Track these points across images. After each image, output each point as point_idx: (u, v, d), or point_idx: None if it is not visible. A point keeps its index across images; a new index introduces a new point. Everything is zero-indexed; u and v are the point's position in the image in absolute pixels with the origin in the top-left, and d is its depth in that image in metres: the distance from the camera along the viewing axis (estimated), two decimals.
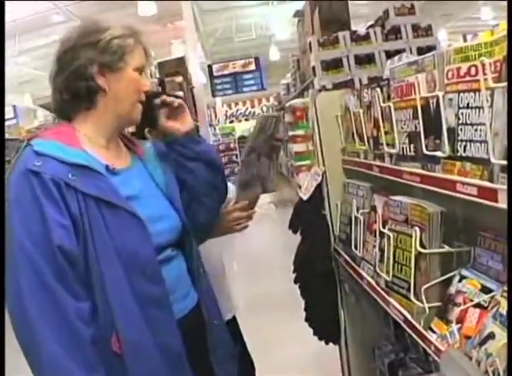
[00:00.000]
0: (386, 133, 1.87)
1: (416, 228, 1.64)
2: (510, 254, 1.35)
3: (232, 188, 2.72)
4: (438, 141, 1.48)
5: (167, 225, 1.80)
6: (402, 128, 1.71)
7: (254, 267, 7.63)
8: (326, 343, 2.82)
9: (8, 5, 11.76)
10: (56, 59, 1.74)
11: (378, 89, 1.88)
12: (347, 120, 2.34)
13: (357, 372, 2.82)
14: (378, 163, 1.98)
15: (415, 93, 1.58)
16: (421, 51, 6.59)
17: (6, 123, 16.39)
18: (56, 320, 1.48)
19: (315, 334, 2.79)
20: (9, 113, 18.21)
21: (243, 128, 29.77)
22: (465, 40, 15.59)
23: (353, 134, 2.26)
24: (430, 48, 6.72)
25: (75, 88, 1.70)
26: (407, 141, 1.69)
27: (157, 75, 8.23)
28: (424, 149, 1.54)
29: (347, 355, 2.79)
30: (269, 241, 9.44)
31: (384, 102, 1.85)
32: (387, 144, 1.85)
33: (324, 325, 2.74)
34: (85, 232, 1.57)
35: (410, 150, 1.68)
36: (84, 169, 1.60)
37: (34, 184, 1.53)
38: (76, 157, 1.61)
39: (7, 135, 12.24)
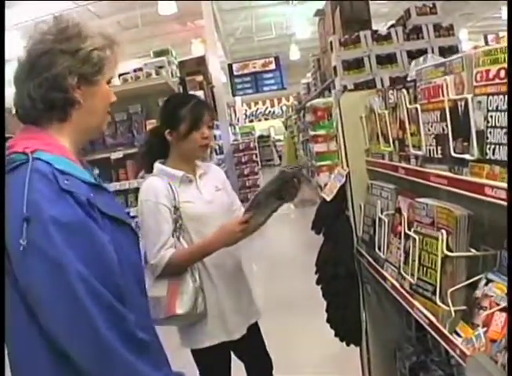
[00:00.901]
0: (412, 135, 1.85)
1: (443, 231, 1.63)
2: (510, 254, 1.36)
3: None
4: (466, 143, 1.47)
5: None
6: (429, 130, 1.69)
7: (273, 267, 7.63)
8: (348, 344, 2.81)
9: (28, 4, 11.87)
10: (27, 60, 1.61)
11: (404, 90, 1.87)
12: (372, 121, 2.32)
13: (377, 374, 2.81)
14: (404, 165, 1.97)
15: (443, 95, 1.57)
16: (443, 51, 6.57)
17: None
18: (125, 334, 1.46)
19: (336, 335, 2.78)
20: None
21: (262, 127, 29.87)
22: (486, 40, 15.51)
23: (378, 135, 2.25)
24: (451, 48, 6.70)
25: (50, 98, 1.58)
26: (434, 143, 1.68)
27: (178, 74, 8.26)
28: (452, 151, 1.53)
29: (368, 356, 2.78)
30: (288, 241, 9.43)
31: (410, 103, 1.84)
32: (413, 146, 1.84)
33: (346, 326, 2.73)
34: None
35: (437, 153, 1.67)
36: (96, 188, 1.58)
37: (73, 205, 1.44)
38: (84, 174, 1.57)
39: None
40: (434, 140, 1.68)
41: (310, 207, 10.64)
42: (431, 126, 1.68)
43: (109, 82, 1.71)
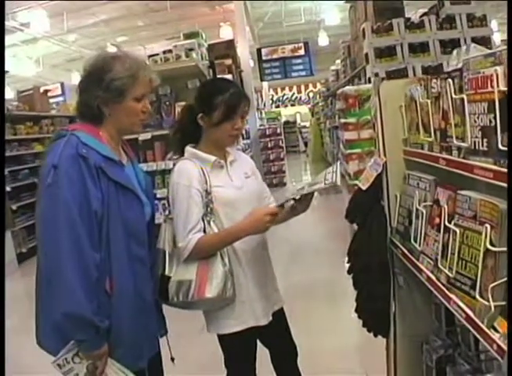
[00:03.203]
0: (456, 126, 1.81)
1: (487, 225, 1.59)
2: (510, 252, 1.36)
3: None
4: None
5: (148, 209, 2.45)
6: (475, 121, 1.65)
7: (296, 254, 7.62)
8: (375, 335, 2.78)
9: None
10: (78, 82, 2.38)
11: (450, 80, 1.82)
12: (412, 110, 2.28)
13: (403, 366, 2.79)
14: (445, 156, 1.92)
15: (492, 86, 1.53)
16: (475, 41, 6.48)
17: (54, 99, 16.74)
18: (79, 262, 2.08)
19: (364, 325, 2.76)
20: (56, 90, 18.59)
21: (288, 113, 29.77)
22: None
23: (417, 125, 2.21)
24: (484, 39, 6.61)
25: (84, 112, 2.35)
26: (480, 135, 1.64)
27: (207, 57, 8.23)
28: (500, 144, 1.49)
29: (395, 348, 2.76)
30: (311, 228, 9.40)
31: (455, 93, 1.79)
32: (457, 137, 1.80)
33: (375, 317, 2.70)
34: (106, 204, 2.20)
35: (482, 145, 1.63)
36: (110, 161, 2.26)
37: (82, 165, 2.14)
38: (105, 151, 2.26)
39: (54, 112, 12.44)
40: (480, 132, 1.63)
41: (334, 195, 10.62)
42: (477, 117, 1.64)
43: (139, 99, 2.35)
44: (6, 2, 12.46)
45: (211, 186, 2.55)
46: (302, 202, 2.62)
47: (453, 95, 1.80)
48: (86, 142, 2.20)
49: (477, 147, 1.66)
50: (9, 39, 15.77)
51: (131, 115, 2.35)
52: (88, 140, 2.22)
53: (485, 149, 1.61)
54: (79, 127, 2.31)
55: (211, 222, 2.54)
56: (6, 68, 14.57)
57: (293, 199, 2.58)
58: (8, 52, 17.67)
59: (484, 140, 1.61)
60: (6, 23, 13.69)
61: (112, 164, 2.26)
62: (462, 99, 1.72)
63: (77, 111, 2.39)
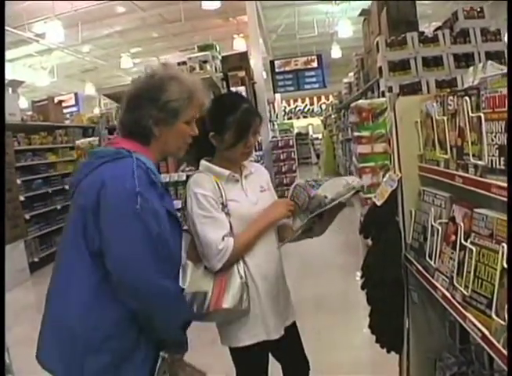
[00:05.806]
0: (472, 143, 1.81)
1: (504, 244, 1.59)
2: (510, 254, 1.36)
3: None
4: None
5: None
6: (492, 140, 1.65)
7: (306, 267, 7.58)
8: (388, 352, 2.77)
9: None
10: (127, 98, 2.28)
11: (467, 98, 1.82)
12: (428, 126, 2.27)
13: None
14: (462, 174, 1.92)
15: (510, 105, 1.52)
16: (489, 56, 6.47)
17: (68, 110, 16.84)
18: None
19: (377, 341, 2.74)
20: (70, 100, 18.72)
21: (301, 125, 29.78)
22: None
23: (433, 141, 2.20)
24: (498, 54, 6.60)
25: (137, 129, 2.24)
26: (497, 154, 1.63)
27: (221, 69, 8.27)
28: None
29: (408, 365, 2.74)
30: (321, 240, 9.36)
31: (472, 111, 1.79)
32: (473, 155, 1.80)
33: (388, 333, 2.69)
34: None
35: (499, 164, 1.62)
36: (162, 187, 2.21)
37: (155, 191, 2.12)
38: (159, 177, 2.22)
39: (68, 122, 12.53)
40: (497, 151, 1.63)
41: (346, 208, 10.59)
42: (495, 136, 1.63)
43: (189, 122, 2.31)
44: (23, 13, 12.66)
45: (227, 200, 2.56)
46: (322, 222, 2.66)
47: (470, 113, 1.79)
48: (151, 167, 2.16)
49: (494, 166, 1.66)
50: (24, 50, 15.95)
51: (180, 138, 2.31)
52: (151, 165, 2.18)
53: (502, 167, 1.61)
54: (134, 147, 2.22)
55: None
56: (22, 78, 14.76)
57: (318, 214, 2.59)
58: (23, 63, 17.87)
59: (501, 159, 1.61)
60: (23, 33, 13.84)
61: (163, 191, 2.24)
62: (479, 117, 1.72)
63: (124, 128, 2.30)
